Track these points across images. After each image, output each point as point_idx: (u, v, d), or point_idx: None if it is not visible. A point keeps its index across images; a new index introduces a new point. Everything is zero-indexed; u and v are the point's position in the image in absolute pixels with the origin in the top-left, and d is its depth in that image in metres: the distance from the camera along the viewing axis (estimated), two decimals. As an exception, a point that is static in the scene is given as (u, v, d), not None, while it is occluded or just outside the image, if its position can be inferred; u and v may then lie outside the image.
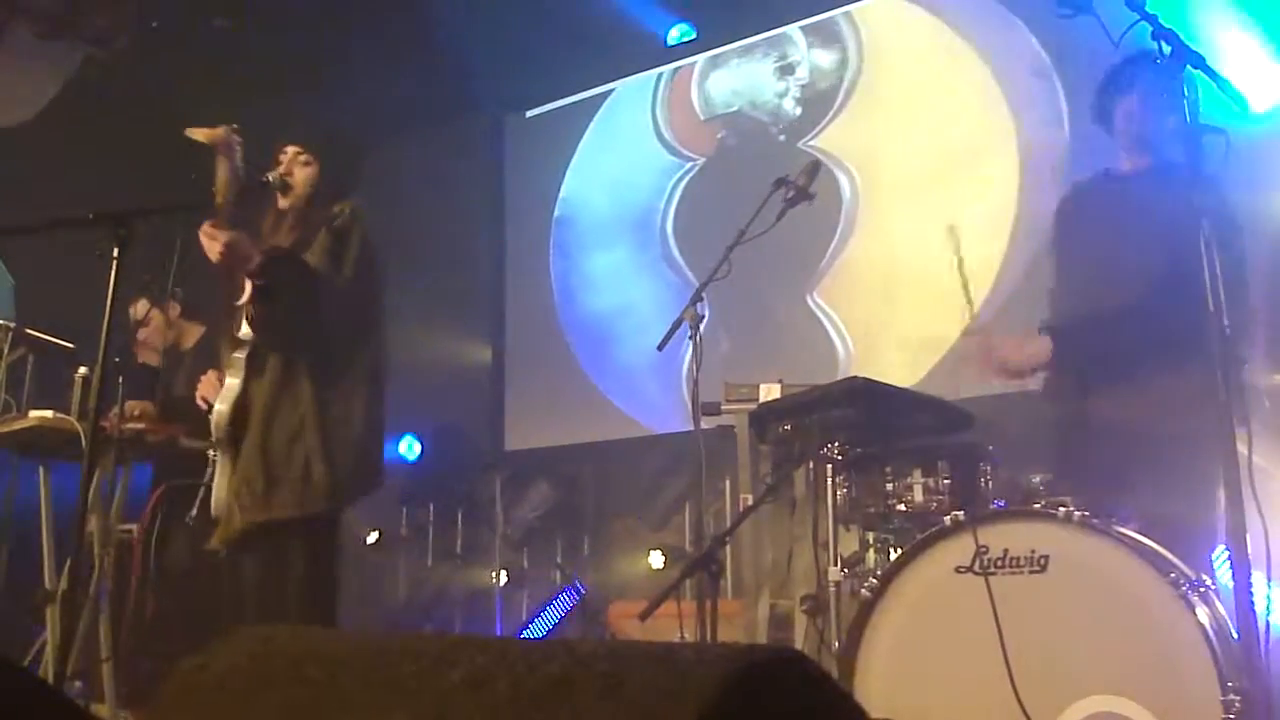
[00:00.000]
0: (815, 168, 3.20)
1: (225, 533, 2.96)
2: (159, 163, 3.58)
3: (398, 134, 6.87)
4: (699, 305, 3.04)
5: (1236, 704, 2.12)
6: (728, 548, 3.21)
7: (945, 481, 2.80)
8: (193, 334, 4.41)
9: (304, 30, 6.25)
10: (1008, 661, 2.35)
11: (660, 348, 3.06)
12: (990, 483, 2.81)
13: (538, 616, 5.80)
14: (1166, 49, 2.16)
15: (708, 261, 3.15)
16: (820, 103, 5.93)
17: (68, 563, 3.05)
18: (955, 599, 2.51)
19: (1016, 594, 2.42)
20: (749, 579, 3.99)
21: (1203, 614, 2.24)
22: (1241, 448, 2.06)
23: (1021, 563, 2.46)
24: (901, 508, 2.85)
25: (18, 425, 3.49)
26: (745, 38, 6.30)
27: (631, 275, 6.44)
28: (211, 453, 3.06)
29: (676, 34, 6.55)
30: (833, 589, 2.93)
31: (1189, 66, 2.17)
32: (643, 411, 6.13)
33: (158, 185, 3.27)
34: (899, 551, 2.73)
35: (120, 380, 3.33)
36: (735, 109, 6.29)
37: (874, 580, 2.65)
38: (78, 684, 3.36)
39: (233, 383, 3.00)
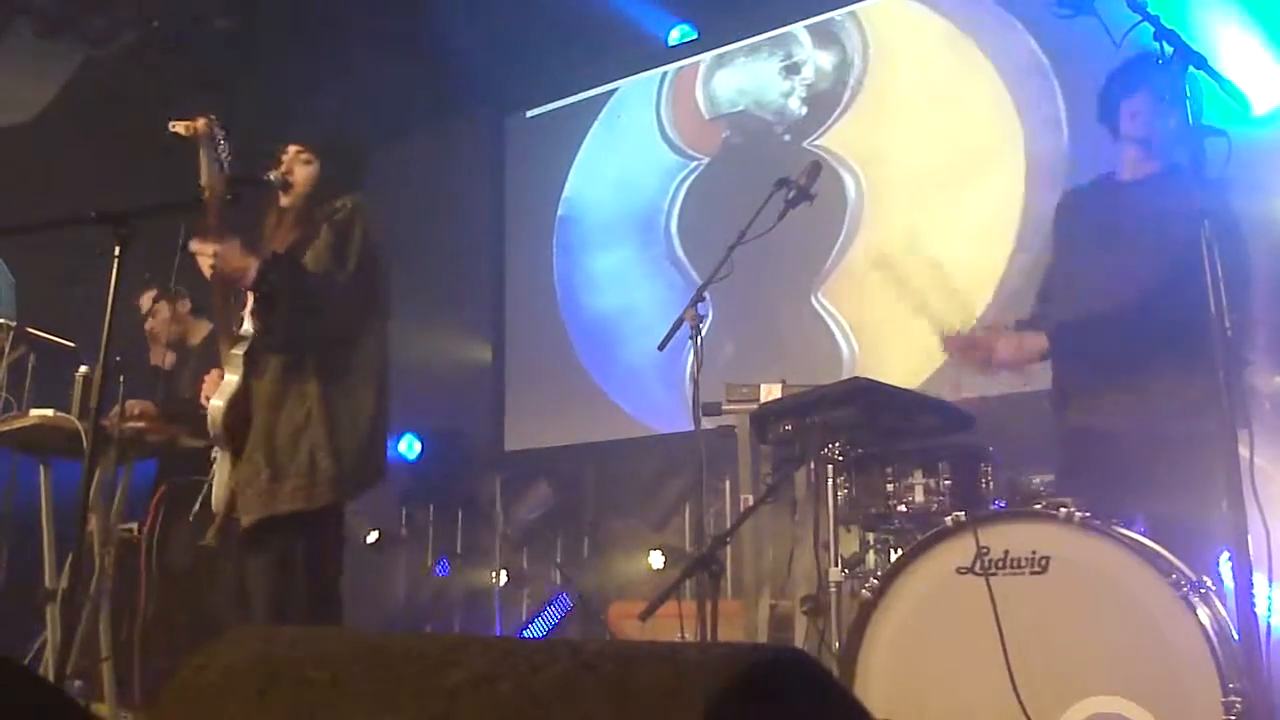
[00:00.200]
0: (815, 168, 3.21)
1: (224, 527, 2.96)
2: (159, 163, 3.59)
3: (398, 133, 6.87)
4: (700, 305, 3.05)
5: (1237, 705, 2.11)
6: (728, 548, 3.22)
7: (946, 482, 2.80)
8: (200, 330, 4.42)
9: (304, 30, 6.26)
10: (1008, 662, 2.35)
11: (661, 348, 3.06)
12: (991, 483, 2.80)
13: (534, 620, 5.79)
14: (1168, 49, 2.16)
15: (711, 261, 3.16)
16: (825, 102, 5.92)
17: (68, 561, 3.05)
18: (956, 600, 2.51)
19: (1017, 595, 2.42)
20: (749, 579, 3.99)
21: (1204, 615, 2.24)
22: (1243, 450, 2.06)
23: (1022, 563, 2.46)
24: (902, 508, 2.85)
25: (18, 424, 3.49)
26: (749, 37, 6.28)
27: (635, 275, 6.43)
28: (214, 451, 3.06)
29: (677, 35, 6.54)
30: (833, 590, 2.92)
31: (1191, 67, 2.16)
32: (646, 412, 6.13)
33: (158, 185, 3.27)
34: (900, 552, 2.72)
35: (121, 379, 3.33)
36: (740, 108, 6.27)
37: (875, 581, 2.65)
38: (78, 683, 3.36)
39: (231, 379, 3.00)
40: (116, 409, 3.39)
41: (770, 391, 3.80)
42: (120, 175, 5.40)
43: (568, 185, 6.87)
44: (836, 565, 2.95)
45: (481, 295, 7.13)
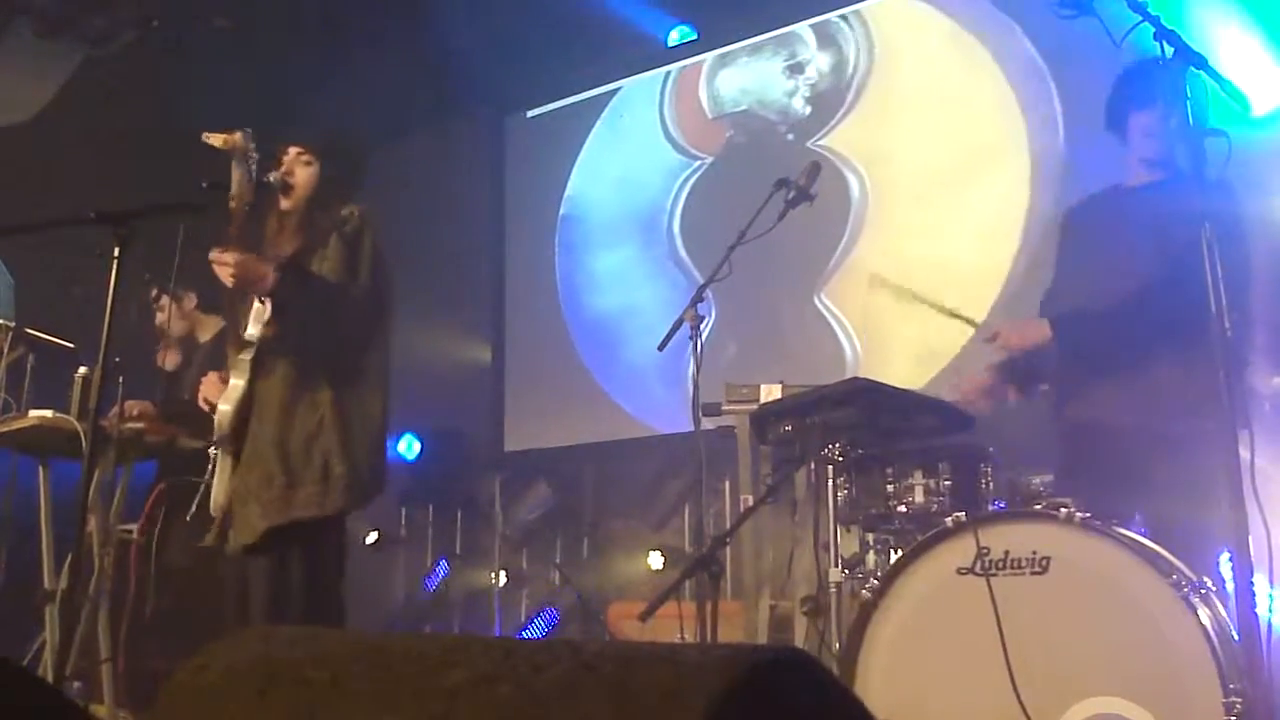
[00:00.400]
0: (815, 169, 3.21)
1: (222, 531, 2.97)
2: (159, 163, 3.59)
3: (397, 134, 6.87)
4: (700, 306, 3.05)
5: (1238, 705, 2.11)
6: (728, 548, 3.22)
7: (946, 483, 2.80)
8: (210, 326, 4.42)
9: (304, 30, 6.26)
10: (1009, 663, 2.35)
11: (660, 348, 3.06)
12: (991, 484, 2.81)
13: (526, 627, 5.78)
14: (1169, 50, 2.16)
15: (714, 261, 3.16)
16: (829, 102, 5.90)
17: (67, 562, 3.05)
18: (956, 600, 2.51)
19: (1017, 595, 2.42)
20: (749, 580, 3.98)
21: (1204, 615, 2.24)
22: (1243, 450, 2.06)
23: (1023, 564, 2.46)
24: (902, 509, 2.85)
25: (17, 425, 3.49)
26: (753, 37, 6.27)
27: (637, 275, 6.42)
28: (212, 451, 3.06)
29: (676, 36, 6.53)
30: (833, 590, 2.93)
31: (1191, 68, 2.16)
32: (648, 412, 6.12)
33: (158, 185, 3.27)
34: (900, 553, 2.72)
35: (120, 380, 3.33)
36: (744, 108, 6.25)
37: (875, 581, 2.65)
38: (77, 684, 3.36)
39: (237, 383, 3.01)
40: (116, 409, 3.39)
41: (770, 392, 3.80)
42: (120, 175, 5.39)
43: (570, 184, 6.86)
44: (836, 566, 2.95)
45: (481, 295, 7.12)
